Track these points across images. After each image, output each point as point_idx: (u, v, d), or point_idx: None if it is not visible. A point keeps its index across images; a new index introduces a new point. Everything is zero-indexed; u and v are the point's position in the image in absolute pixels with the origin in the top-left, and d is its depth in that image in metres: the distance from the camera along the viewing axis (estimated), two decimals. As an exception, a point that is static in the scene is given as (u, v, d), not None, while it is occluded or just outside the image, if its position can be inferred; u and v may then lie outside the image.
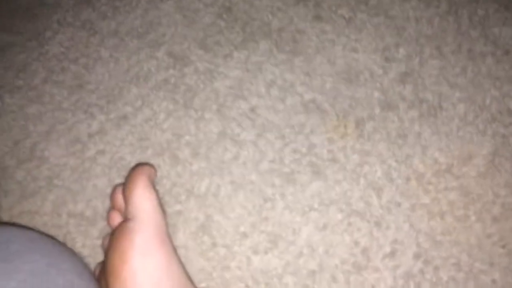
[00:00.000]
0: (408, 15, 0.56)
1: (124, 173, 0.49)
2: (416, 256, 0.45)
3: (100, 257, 0.44)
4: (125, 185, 0.41)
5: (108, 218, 0.43)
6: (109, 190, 0.48)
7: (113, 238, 0.39)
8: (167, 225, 0.40)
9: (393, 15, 0.56)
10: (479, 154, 0.48)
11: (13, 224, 0.47)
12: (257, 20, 0.58)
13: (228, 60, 0.55)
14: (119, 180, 0.49)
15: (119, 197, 0.42)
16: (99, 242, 0.47)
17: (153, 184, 0.41)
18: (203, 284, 0.45)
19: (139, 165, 0.44)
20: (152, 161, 0.50)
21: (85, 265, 0.38)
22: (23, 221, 0.49)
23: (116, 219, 0.42)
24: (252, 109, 0.52)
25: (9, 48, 0.58)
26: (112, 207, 0.43)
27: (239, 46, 0.56)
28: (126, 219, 0.40)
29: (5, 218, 0.50)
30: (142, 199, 0.40)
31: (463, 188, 0.47)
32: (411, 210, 0.46)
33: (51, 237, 0.44)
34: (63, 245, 0.42)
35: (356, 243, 0.46)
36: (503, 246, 0.44)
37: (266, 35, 0.57)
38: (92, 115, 0.52)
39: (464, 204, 0.46)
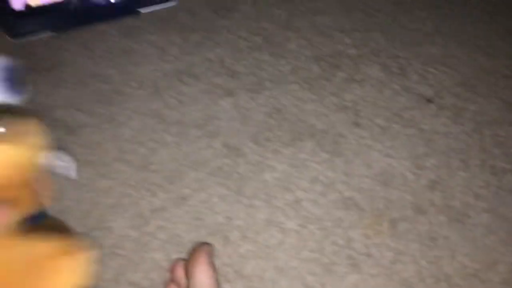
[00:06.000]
0: (437, 130, 0.64)
1: (180, 249, 0.54)
2: None
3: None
4: (189, 261, 0.46)
5: (166, 291, 0.48)
6: (165, 264, 0.53)
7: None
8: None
9: (424, 129, 0.64)
10: (502, 261, 0.53)
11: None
12: (303, 122, 0.66)
13: (276, 154, 0.63)
14: (175, 255, 0.54)
15: (180, 271, 0.47)
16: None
17: (212, 262, 0.46)
18: None
19: (201, 243, 0.50)
20: (205, 240, 0.55)
21: None
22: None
23: (174, 292, 0.47)
24: (297, 201, 0.59)
25: (85, 128, 0.66)
26: (171, 280, 0.48)
27: (287, 143, 0.64)
28: (186, 292, 0.45)
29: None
30: (204, 275, 0.45)
31: (488, 292, 0.51)
32: (440, 309, 0.51)
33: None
34: None
35: (389, 336, 0.50)
36: None
37: (311, 136, 0.64)
38: (155, 194, 0.59)
39: (490, 308, 0.51)
